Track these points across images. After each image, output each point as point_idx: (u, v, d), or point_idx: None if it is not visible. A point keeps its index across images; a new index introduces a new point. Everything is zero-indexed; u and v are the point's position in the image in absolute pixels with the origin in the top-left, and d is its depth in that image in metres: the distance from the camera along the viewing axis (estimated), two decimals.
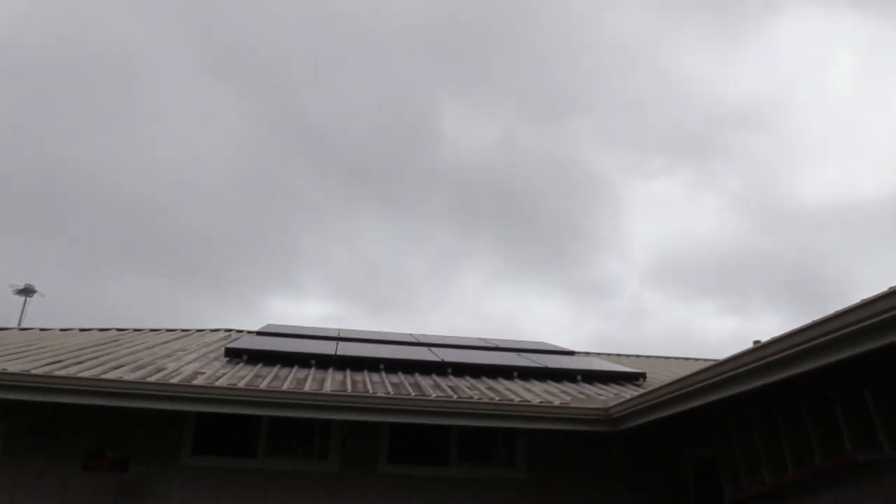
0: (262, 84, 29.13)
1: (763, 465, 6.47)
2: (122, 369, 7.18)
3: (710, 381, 5.58)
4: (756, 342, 5.26)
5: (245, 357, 8.82)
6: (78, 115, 26.60)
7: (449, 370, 9.20)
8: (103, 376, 6.69)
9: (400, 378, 8.40)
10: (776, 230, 31.20)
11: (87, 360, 7.56)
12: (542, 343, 12.91)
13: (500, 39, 28.26)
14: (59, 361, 7.20)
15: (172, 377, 7.03)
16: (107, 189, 28.69)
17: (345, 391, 7.15)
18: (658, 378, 9.24)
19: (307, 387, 7.20)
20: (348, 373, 8.46)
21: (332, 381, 7.68)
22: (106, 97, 26.89)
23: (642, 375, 9.81)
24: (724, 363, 5.36)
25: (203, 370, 7.70)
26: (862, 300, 3.98)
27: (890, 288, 3.83)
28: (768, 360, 4.82)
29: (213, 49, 27.02)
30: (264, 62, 27.84)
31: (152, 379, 6.82)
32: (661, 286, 33.84)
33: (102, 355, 8.06)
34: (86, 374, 6.66)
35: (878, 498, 5.18)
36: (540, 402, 7.43)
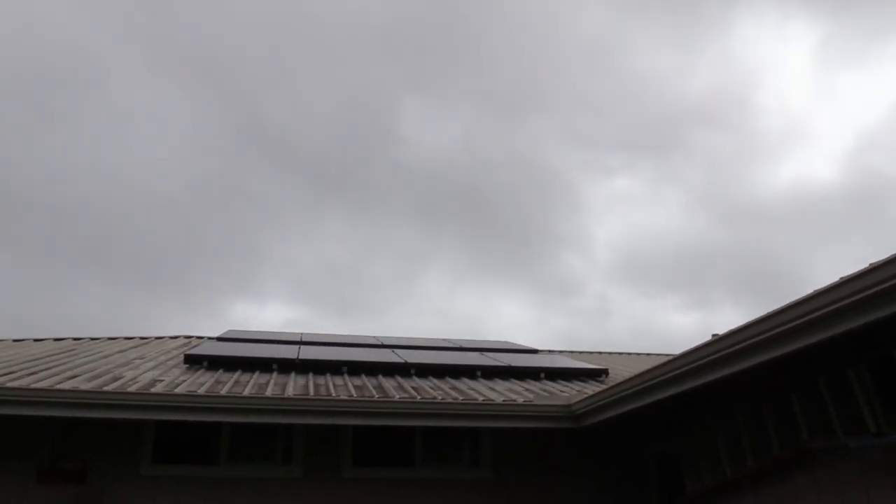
0: (219, 85, 28.69)
1: (723, 457, 6.57)
2: (77, 379, 7.02)
3: (669, 375, 5.66)
4: (714, 335, 5.34)
5: (205, 363, 8.69)
6: (30, 117, 25.91)
7: (412, 371, 9.18)
8: (58, 386, 6.53)
9: (363, 380, 8.35)
10: (736, 225, 31.71)
11: (42, 370, 7.38)
12: (505, 342, 12.96)
13: (460, 38, 28.28)
14: (12, 373, 7.01)
15: (130, 385, 6.89)
16: (61, 194, 27.98)
17: (307, 395, 7.09)
18: (620, 374, 9.33)
19: (269, 391, 7.12)
20: (311, 376, 8.38)
21: (294, 386, 7.61)
22: (58, 99, 26.23)
23: (605, 372, 9.90)
24: (683, 357, 5.43)
25: (162, 378, 7.57)
26: (813, 291, 4.06)
27: (840, 278, 3.92)
28: (725, 352, 4.90)
29: (169, 49, 26.54)
30: (222, 63, 27.45)
31: (109, 388, 6.67)
32: (624, 283, 34.17)
33: (57, 365, 7.87)
34: (39, 385, 6.50)
35: (834, 484, 5.30)
36: (503, 401, 7.45)
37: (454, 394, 7.75)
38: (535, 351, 12.09)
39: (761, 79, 28.66)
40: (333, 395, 7.18)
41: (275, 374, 8.36)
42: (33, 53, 24.05)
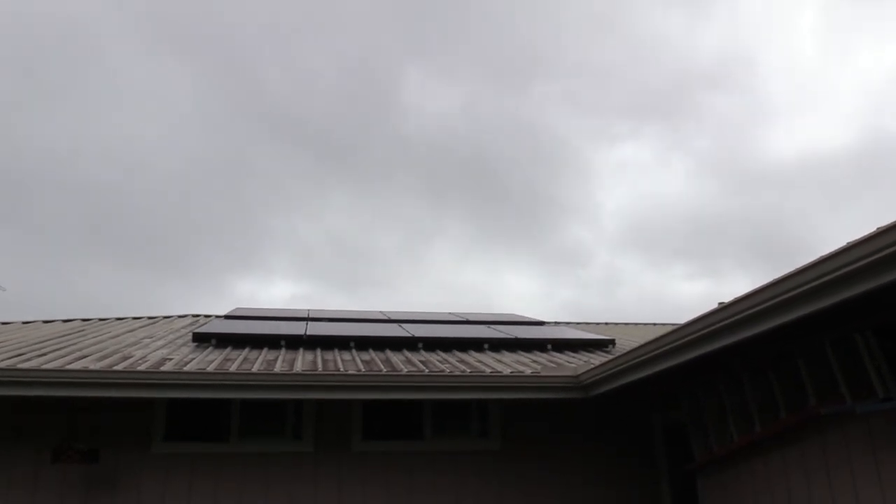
0: (218, 59, 28.41)
1: (731, 424, 6.60)
2: (87, 359, 7.07)
3: (675, 344, 5.65)
4: (720, 304, 5.33)
5: (213, 341, 8.73)
6: (29, 95, 25.76)
7: (420, 345, 9.22)
8: (68, 367, 6.58)
9: (371, 355, 8.39)
10: (746, 191, 31.47)
11: (51, 351, 7.43)
12: (512, 315, 12.99)
13: (460, 2, 27.85)
14: (22, 354, 7.06)
15: (140, 364, 6.94)
16: (62, 173, 27.98)
17: (316, 370, 7.13)
18: (627, 344, 9.35)
19: (277, 368, 7.16)
20: (319, 352, 8.43)
21: (302, 361, 7.65)
22: (56, 75, 26.07)
23: (612, 342, 9.92)
24: (689, 325, 5.43)
25: (171, 356, 7.61)
26: (819, 257, 4.04)
27: (847, 243, 3.89)
28: (731, 320, 4.89)
29: (167, 23, 26.24)
30: (220, 35, 27.13)
31: (119, 367, 6.72)
32: (632, 252, 34.09)
33: (67, 346, 7.93)
34: (50, 366, 6.54)
35: (842, 449, 5.32)
36: (511, 373, 7.48)
37: (462, 366, 7.78)
38: (541, 323, 12.12)
39: (771, 40, 28.24)
40: (342, 370, 7.22)
41: (283, 351, 8.40)
42: (30, 29, 23.85)
